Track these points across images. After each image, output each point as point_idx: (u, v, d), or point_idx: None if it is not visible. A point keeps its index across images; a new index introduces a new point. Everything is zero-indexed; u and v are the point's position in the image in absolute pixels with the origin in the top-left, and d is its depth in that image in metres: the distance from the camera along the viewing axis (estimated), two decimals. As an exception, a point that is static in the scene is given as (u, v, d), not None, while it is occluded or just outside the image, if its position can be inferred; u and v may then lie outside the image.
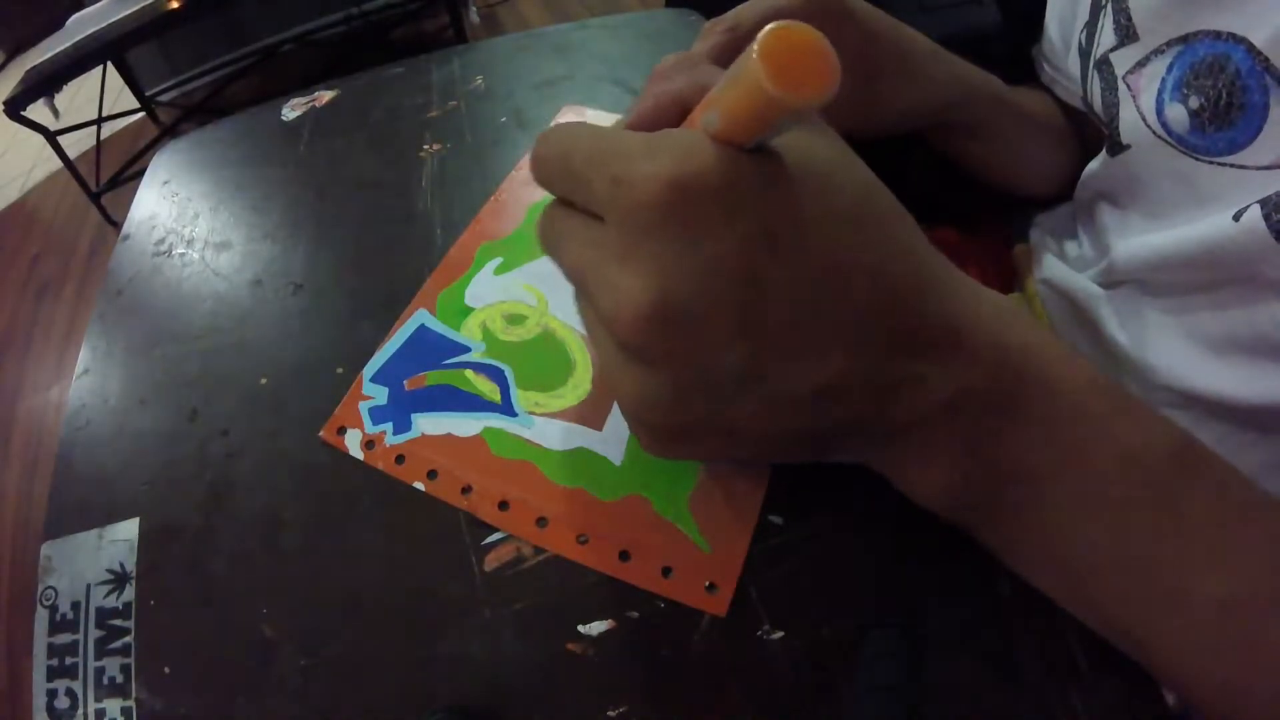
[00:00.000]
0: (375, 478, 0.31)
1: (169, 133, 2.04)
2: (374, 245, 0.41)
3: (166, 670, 0.27)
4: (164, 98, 2.22)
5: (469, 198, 0.42)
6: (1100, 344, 0.38)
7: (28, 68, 1.63)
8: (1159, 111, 0.31)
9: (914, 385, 0.19)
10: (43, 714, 0.27)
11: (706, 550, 0.27)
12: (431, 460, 0.31)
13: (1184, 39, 0.30)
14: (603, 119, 0.46)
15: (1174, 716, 0.23)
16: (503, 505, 0.29)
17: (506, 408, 0.32)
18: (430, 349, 0.35)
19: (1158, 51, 0.31)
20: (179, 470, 0.32)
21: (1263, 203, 0.27)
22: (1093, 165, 0.38)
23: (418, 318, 0.36)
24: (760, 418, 0.20)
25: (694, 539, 0.27)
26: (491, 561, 0.28)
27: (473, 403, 0.32)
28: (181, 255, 0.43)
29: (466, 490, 0.30)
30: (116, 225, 1.79)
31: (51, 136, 1.66)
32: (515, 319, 0.35)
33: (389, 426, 0.32)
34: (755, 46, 0.16)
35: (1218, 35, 0.28)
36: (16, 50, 2.59)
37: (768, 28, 0.16)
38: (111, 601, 0.29)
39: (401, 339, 0.35)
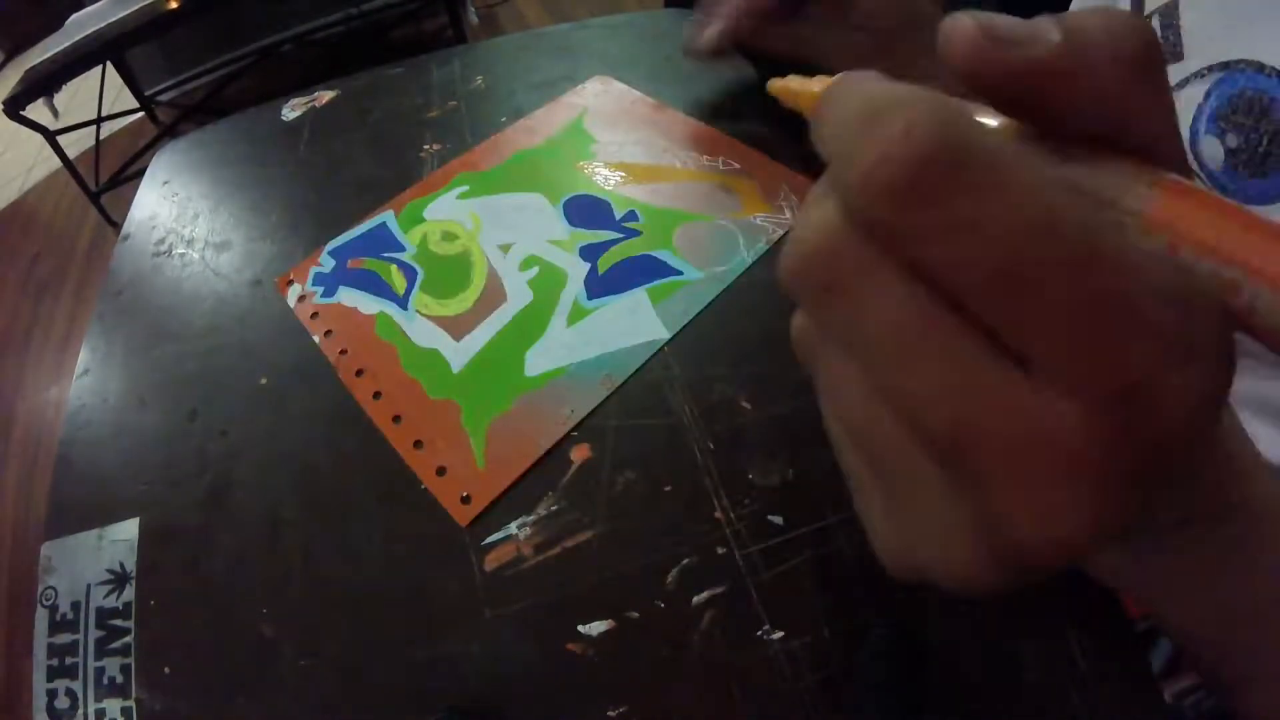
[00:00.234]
0: (375, 478, 0.31)
1: (169, 133, 2.04)
2: (374, 245, 0.41)
3: (166, 670, 0.27)
4: (164, 98, 2.22)
5: (469, 198, 0.42)
6: None
7: (27, 67, 1.62)
8: (1193, 143, 0.30)
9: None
10: (43, 714, 0.27)
11: (480, 466, 0.30)
12: (332, 323, 0.37)
13: (1225, 65, 0.29)
14: (625, 93, 0.47)
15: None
16: (359, 373, 0.34)
17: (403, 301, 0.37)
18: (378, 242, 0.41)
19: (1199, 75, 0.30)
20: (179, 470, 0.32)
21: None
22: None
23: (383, 216, 0.42)
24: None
25: (475, 453, 0.31)
26: (491, 561, 0.28)
27: (384, 290, 0.38)
28: (181, 255, 0.43)
29: (343, 353, 0.35)
30: (116, 225, 1.79)
31: (51, 136, 1.65)
32: (449, 236, 0.40)
33: (321, 289, 0.39)
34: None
35: (1261, 68, 0.27)
36: (16, 50, 2.59)
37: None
38: (111, 601, 0.29)
39: (364, 229, 0.41)
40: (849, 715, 0.24)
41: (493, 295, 0.36)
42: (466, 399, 0.33)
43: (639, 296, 0.35)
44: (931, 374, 0.11)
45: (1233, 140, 0.29)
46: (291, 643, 0.27)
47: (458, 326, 0.35)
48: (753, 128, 0.43)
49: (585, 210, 0.40)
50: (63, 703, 0.27)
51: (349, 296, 0.38)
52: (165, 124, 2.11)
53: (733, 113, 0.44)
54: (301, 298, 0.38)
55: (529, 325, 0.35)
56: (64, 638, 0.28)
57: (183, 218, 0.45)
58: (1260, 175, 0.28)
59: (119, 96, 2.11)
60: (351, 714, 0.26)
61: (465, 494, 0.30)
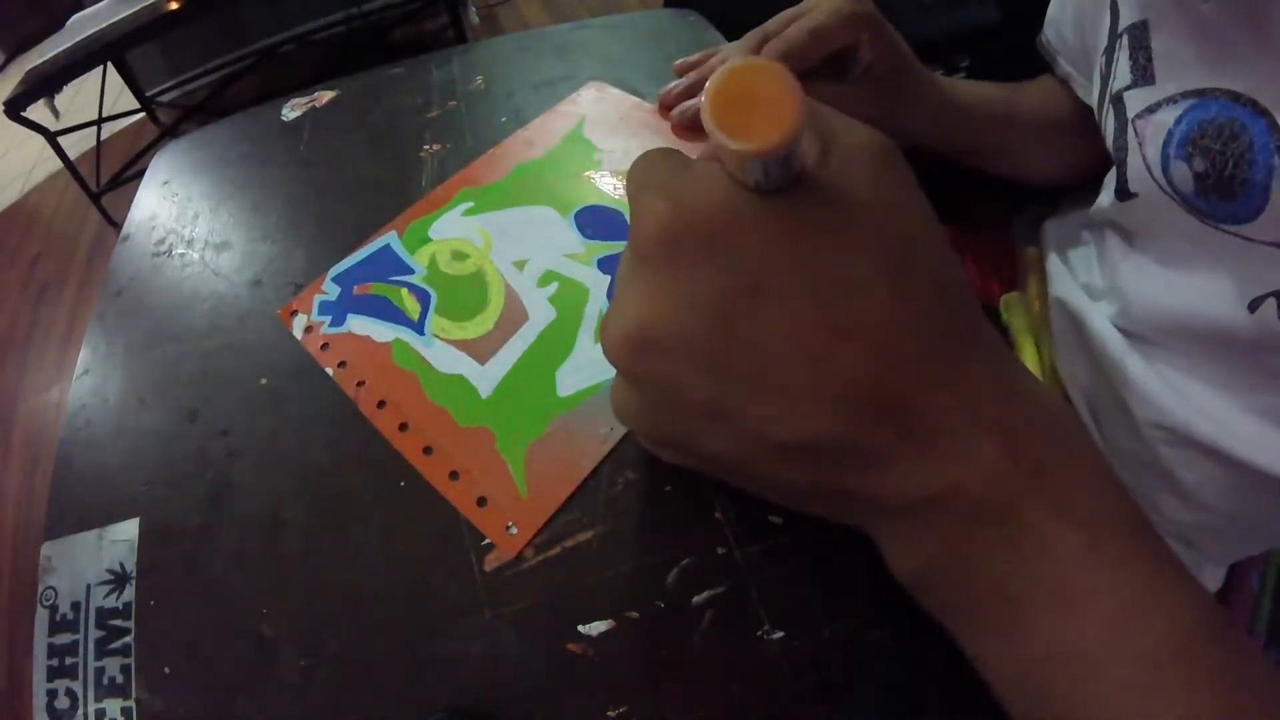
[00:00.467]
0: (375, 478, 0.31)
1: (169, 133, 2.04)
2: (374, 245, 0.41)
3: (166, 670, 0.27)
4: (164, 98, 2.22)
5: (469, 197, 0.42)
6: (1103, 374, 0.38)
7: (28, 68, 1.62)
8: (1164, 167, 0.31)
9: (900, 467, 0.18)
10: (43, 714, 0.27)
11: (523, 494, 0.29)
12: (346, 353, 0.35)
13: (1200, 93, 0.29)
14: (621, 99, 0.47)
15: None
16: (381, 404, 0.33)
17: (419, 326, 0.36)
18: (384, 265, 0.39)
19: (1170, 100, 0.30)
20: (179, 470, 0.32)
21: (1278, 296, 0.27)
22: (1103, 202, 0.37)
23: (387, 238, 0.41)
24: (732, 455, 0.19)
25: (517, 481, 0.30)
26: (491, 561, 0.28)
27: (397, 316, 0.36)
28: (181, 255, 0.43)
29: (360, 384, 0.34)
30: (117, 226, 1.79)
31: (52, 137, 1.66)
32: (459, 255, 0.39)
33: (329, 319, 0.37)
34: (707, 86, 0.15)
35: (1236, 98, 0.27)
36: (17, 51, 2.59)
37: (721, 68, 0.15)
38: (111, 601, 0.29)
39: (367, 252, 0.40)
40: (849, 715, 0.24)
41: (514, 315, 0.35)
42: (499, 425, 0.31)
43: None
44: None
45: (1200, 164, 0.29)
46: (291, 643, 0.27)
47: (480, 349, 0.34)
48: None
49: (598, 221, 0.39)
50: (63, 703, 0.27)
51: (360, 324, 0.36)
52: (166, 124, 2.11)
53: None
54: (309, 329, 0.37)
55: (555, 344, 0.34)
56: (64, 638, 0.28)
57: (183, 218, 0.46)
58: (1229, 198, 0.28)
59: (120, 97, 2.11)
60: (351, 714, 0.26)
61: (510, 524, 0.29)
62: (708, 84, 0.15)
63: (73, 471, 0.33)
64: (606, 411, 0.31)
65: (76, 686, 0.27)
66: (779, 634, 0.25)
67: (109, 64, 1.85)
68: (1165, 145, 0.30)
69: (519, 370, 0.33)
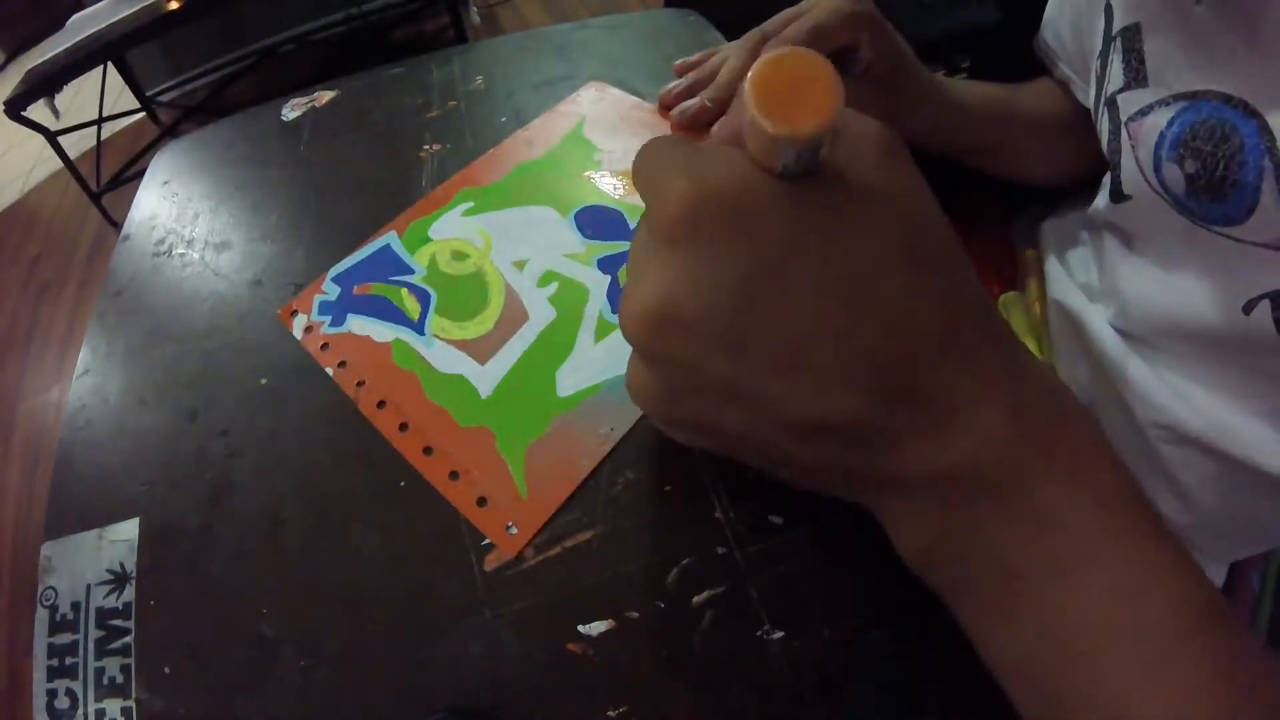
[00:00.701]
0: (375, 478, 0.31)
1: (169, 133, 2.04)
2: (374, 245, 0.41)
3: (166, 670, 0.27)
4: (164, 98, 2.22)
5: (469, 198, 0.42)
6: (1102, 374, 0.38)
7: (28, 68, 1.62)
8: (1157, 169, 0.31)
9: (912, 444, 0.18)
10: (43, 714, 0.27)
11: (523, 494, 0.29)
12: (346, 354, 0.35)
13: (1193, 95, 0.29)
14: (621, 99, 0.47)
15: None
16: (381, 404, 0.33)
17: (419, 326, 0.36)
18: (385, 265, 0.39)
19: (1163, 103, 0.30)
20: (179, 470, 0.32)
21: (1273, 298, 0.27)
22: (1099, 204, 0.37)
23: (387, 238, 0.41)
24: (748, 434, 0.19)
25: (517, 481, 0.30)
26: (491, 561, 0.28)
27: (397, 316, 0.36)
28: (181, 255, 0.43)
29: (360, 384, 0.34)
30: (117, 225, 1.79)
31: (52, 137, 1.66)
32: (459, 255, 0.39)
33: (328, 319, 0.37)
34: (749, 74, 0.16)
35: (1228, 99, 0.27)
36: (17, 50, 2.59)
37: (764, 54, 0.16)
38: (111, 601, 0.29)
39: (367, 252, 0.40)
40: (849, 715, 0.24)
41: (513, 315, 0.35)
42: (499, 425, 0.31)
43: None
44: (631, 247, 0.22)
45: (1191, 166, 0.29)
46: (291, 643, 0.27)
47: (480, 349, 0.34)
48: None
49: (598, 221, 0.39)
50: (63, 703, 0.27)
51: (360, 324, 0.36)
52: (166, 124, 2.11)
53: (733, 112, 0.44)
54: (309, 329, 0.37)
55: (555, 344, 0.34)
56: (64, 638, 0.28)
57: (183, 218, 0.46)
58: (1220, 199, 0.28)
59: (120, 97, 2.11)
60: (351, 714, 0.26)
61: (510, 524, 0.29)
62: (750, 72, 0.15)
63: (73, 471, 0.33)
64: (606, 411, 0.31)
65: (76, 686, 0.27)
66: (779, 634, 0.25)
67: (109, 64, 1.85)
68: (1157, 147, 0.30)
69: (519, 370, 0.33)
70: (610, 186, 0.41)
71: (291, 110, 0.52)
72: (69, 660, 0.28)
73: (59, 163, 1.73)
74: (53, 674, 0.28)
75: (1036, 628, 0.18)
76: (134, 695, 0.27)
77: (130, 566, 0.30)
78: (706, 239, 0.18)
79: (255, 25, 2.15)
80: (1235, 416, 0.32)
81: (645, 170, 0.21)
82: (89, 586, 0.29)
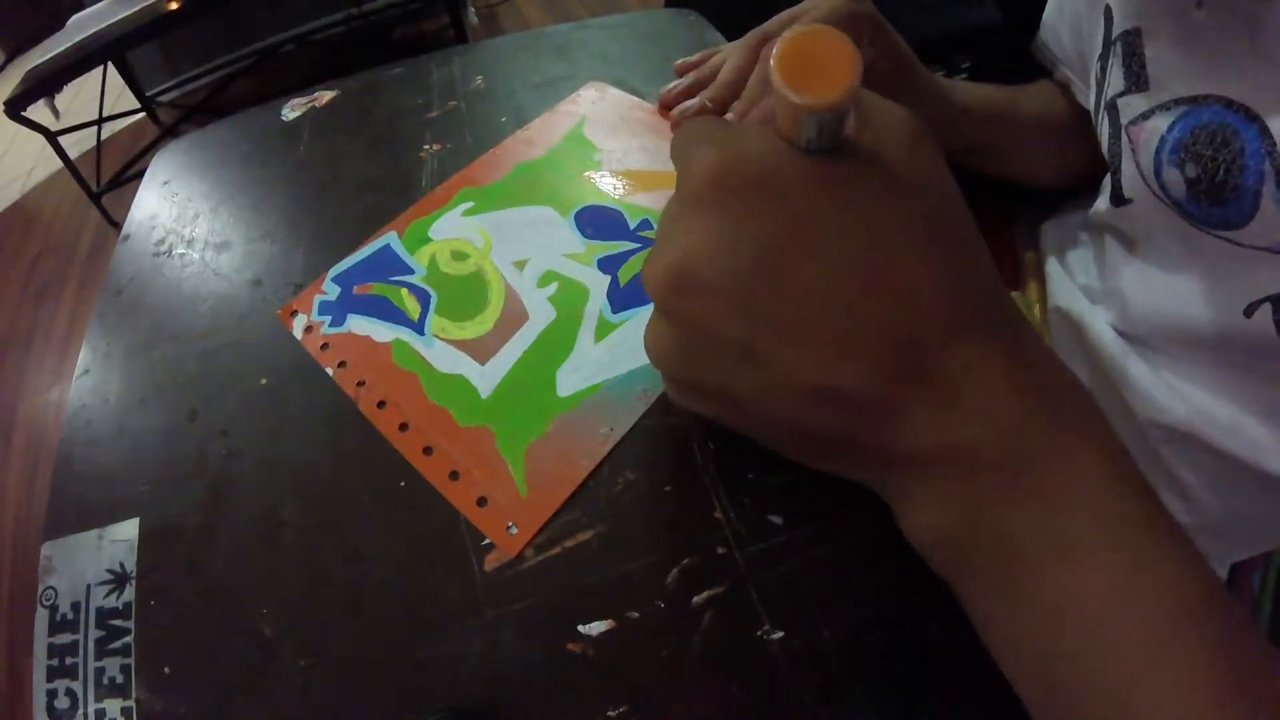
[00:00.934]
0: (375, 478, 0.31)
1: (169, 133, 2.04)
2: (374, 245, 0.41)
3: (166, 670, 0.27)
4: (164, 98, 2.22)
5: (469, 197, 0.42)
6: (1103, 375, 0.38)
7: (28, 68, 1.62)
8: (1157, 172, 0.31)
9: (920, 419, 0.19)
10: (43, 714, 0.27)
11: (523, 494, 0.29)
12: (346, 354, 0.35)
13: (1194, 99, 0.29)
14: (621, 99, 0.47)
15: None
16: (381, 405, 0.33)
17: (419, 327, 0.36)
18: (385, 265, 0.39)
19: (1163, 107, 0.30)
20: (179, 470, 0.32)
21: (1274, 302, 0.27)
22: (1099, 207, 0.37)
23: (387, 238, 0.41)
24: (758, 398, 0.20)
25: (517, 481, 0.30)
26: (491, 561, 0.28)
27: (397, 316, 0.36)
28: (181, 255, 0.43)
29: (361, 384, 0.34)
30: (117, 225, 1.79)
31: (52, 137, 1.66)
32: (459, 255, 0.39)
33: (328, 319, 0.37)
34: (774, 49, 0.17)
35: (1229, 104, 0.27)
36: (17, 50, 2.59)
37: (787, 32, 0.17)
38: (111, 601, 0.29)
39: (367, 252, 0.40)
40: (849, 715, 0.24)
41: (513, 315, 0.35)
42: (499, 425, 0.31)
43: None
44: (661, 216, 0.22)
45: (1192, 170, 0.29)
46: (291, 643, 0.27)
47: (481, 350, 0.34)
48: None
49: (598, 221, 0.39)
50: (63, 703, 0.27)
51: (360, 324, 0.36)
52: (166, 124, 2.11)
53: (733, 112, 0.44)
54: (308, 329, 0.37)
55: (555, 344, 0.34)
56: (64, 638, 0.28)
57: (183, 218, 0.46)
58: (1220, 204, 0.28)
59: (120, 97, 2.11)
60: (351, 714, 0.26)
61: (510, 524, 0.29)
62: (775, 47, 0.17)
63: (73, 471, 0.33)
64: (607, 411, 0.31)
65: (76, 686, 0.27)
66: (779, 634, 0.25)
67: (109, 64, 1.85)
68: (1158, 151, 0.30)
69: (519, 370, 0.33)
70: (610, 186, 0.41)
71: (291, 110, 0.52)
72: (69, 660, 0.28)
73: (59, 163, 1.73)
74: (53, 674, 0.28)
75: (1040, 608, 0.18)
76: (134, 695, 0.27)
77: (130, 566, 0.30)
78: (730, 205, 0.19)
79: (255, 25, 2.15)
80: (1236, 417, 0.32)
81: (680, 143, 0.22)
82: (89, 586, 0.29)
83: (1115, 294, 0.37)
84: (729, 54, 0.41)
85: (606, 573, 0.27)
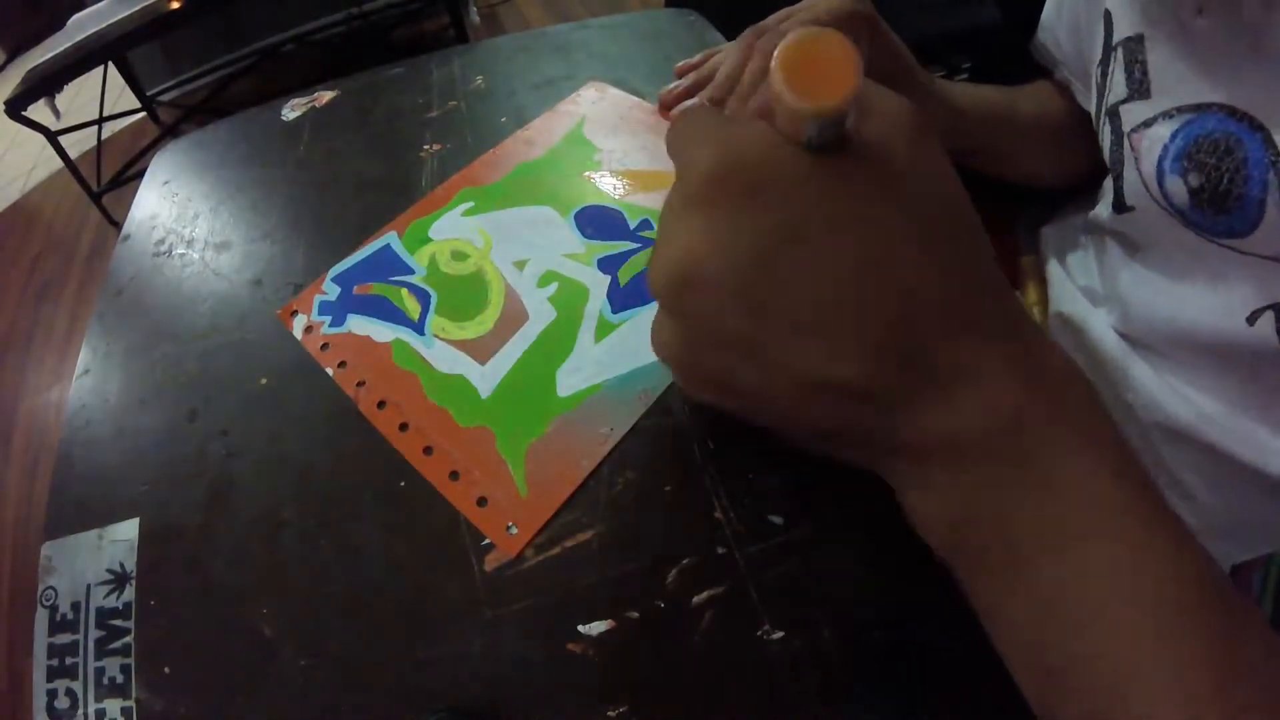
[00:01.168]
0: (375, 478, 0.31)
1: (170, 133, 2.04)
2: (374, 245, 0.41)
3: (166, 670, 0.27)
4: (165, 98, 2.22)
5: (469, 198, 0.42)
6: (1104, 378, 0.38)
7: (28, 68, 1.63)
8: (1160, 181, 0.31)
9: (924, 409, 0.19)
10: (43, 714, 0.27)
11: (523, 494, 0.29)
12: (345, 354, 0.35)
13: (1197, 108, 0.29)
14: (621, 99, 0.47)
15: None
16: (381, 405, 0.33)
17: (419, 327, 0.36)
18: (385, 265, 0.39)
19: (1166, 115, 0.30)
20: (179, 470, 0.32)
21: (1277, 310, 0.27)
22: (1101, 213, 0.37)
23: (387, 238, 0.40)
24: (764, 391, 0.20)
25: (517, 481, 0.30)
26: (491, 561, 0.28)
27: (396, 316, 0.36)
28: (181, 255, 0.43)
29: (361, 384, 0.34)
30: (117, 225, 1.79)
31: (52, 136, 1.66)
32: (459, 255, 0.39)
33: (328, 319, 0.37)
34: (776, 53, 0.17)
35: (1233, 112, 0.27)
36: (17, 50, 2.59)
37: (790, 35, 0.17)
38: (111, 601, 0.29)
39: (367, 252, 0.40)
40: (848, 715, 0.24)
41: (513, 315, 0.35)
42: (499, 425, 0.31)
43: None
44: (662, 209, 0.21)
45: (1194, 180, 0.29)
46: (291, 643, 0.27)
47: (481, 350, 0.34)
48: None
49: (598, 221, 0.39)
50: (63, 703, 0.27)
51: (360, 324, 0.36)
52: (166, 124, 2.11)
53: (733, 112, 0.44)
54: (309, 329, 0.37)
55: (555, 344, 0.34)
56: (64, 638, 0.28)
57: (183, 218, 0.46)
58: (1224, 212, 0.28)
59: (120, 97, 2.11)
60: (351, 714, 0.26)
61: (510, 524, 0.29)
62: (776, 51, 0.17)
63: (73, 471, 0.33)
64: (607, 411, 0.31)
65: (76, 686, 0.27)
66: (779, 634, 0.25)
67: (110, 63, 1.85)
68: (1160, 160, 0.30)
69: (519, 370, 0.33)
70: (610, 186, 0.41)
71: (291, 110, 0.52)
72: (69, 660, 0.28)
73: (59, 163, 1.73)
74: (53, 674, 0.28)
75: (1042, 596, 0.18)
76: (134, 695, 0.27)
77: (130, 566, 0.30)
78: (731, 202, 0.19)
79: (255, 25, 2.15)
80: (1238, 421, 0.32)
81: (678, 138, 0.22)
82: (89, 586, 0.29)
83: (1116, 298, 0.37)
84: (727, 54, 0.41)
85: (606, 573, 0.27)
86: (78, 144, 1.85)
